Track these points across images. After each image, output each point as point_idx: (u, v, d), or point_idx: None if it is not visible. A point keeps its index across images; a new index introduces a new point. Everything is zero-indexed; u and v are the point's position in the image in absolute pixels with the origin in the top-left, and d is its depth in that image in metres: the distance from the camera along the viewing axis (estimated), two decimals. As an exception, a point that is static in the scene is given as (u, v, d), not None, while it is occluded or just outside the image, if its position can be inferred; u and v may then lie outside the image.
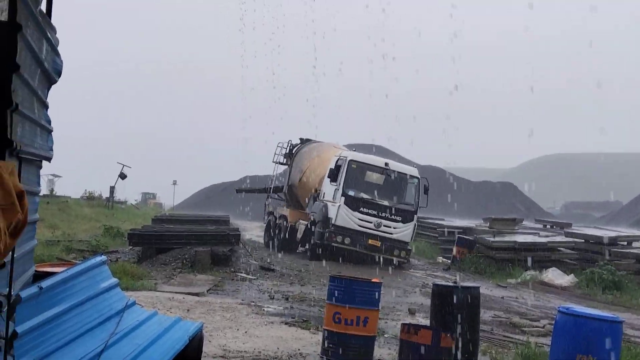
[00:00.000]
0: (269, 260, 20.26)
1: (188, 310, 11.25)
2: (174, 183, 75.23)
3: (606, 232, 27.96)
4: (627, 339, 11.25)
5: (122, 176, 48.41)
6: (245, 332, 10.02)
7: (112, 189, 48.01)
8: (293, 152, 27.19)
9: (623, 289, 20.13)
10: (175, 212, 45.57)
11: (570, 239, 25.47)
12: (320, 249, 21.73)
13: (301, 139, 27.56)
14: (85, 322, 5.19)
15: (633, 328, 13.73)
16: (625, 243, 24.76)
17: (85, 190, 48.81)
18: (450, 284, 9.92)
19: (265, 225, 28.61)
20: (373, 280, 9.24)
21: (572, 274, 22.15)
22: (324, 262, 20.58)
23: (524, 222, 34.30)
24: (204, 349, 7.13)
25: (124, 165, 48.61)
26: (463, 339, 9.06)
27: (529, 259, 22.91)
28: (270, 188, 28.66)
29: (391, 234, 21.63)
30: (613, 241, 24.53)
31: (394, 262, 21.58)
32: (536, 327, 12.97)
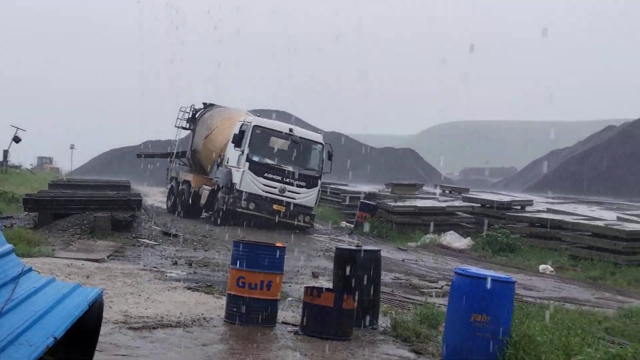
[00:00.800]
0: (171, 226, 20.00)
1: (88, 276, 10.98)
2: (72, 147, 72.82)
3: (501, 197, 29.10)
4: (519, 299, 11.77)
5: (16, 139, 46.43)
6: (148, 297, 9.89)
7: (5, 152, 46.10)
8: (196, 117, 26.77)
9: (516, 251, 21.04)
10: (74, 177, 44.17)
11: (468, 204, 26.38)
12: (224, 215, 21.62)
13: (204, 104, 27.15)
14: (-23, 289, 4.98)
15: (525, 288, 14.39)
16: (519, 207, 25.84)
17: (-24, 154, 46.65)
18: (353, 247, 10.11)
19: (167, 190, 28.19)
20: (277, 244, 9.28)
21: (469, 237, 22.98)
22: (228, 227, 20.51)
23: (424, 188, 35.21)
24: (105, 315, 6.99)
25: (17, 129, 46.62)
26: (365, 301, 9.28)
27: (432, 224, 23.60)
28: (173, 153, 28.17)
29: (295, 199, 21.75)
30: (507, 205, 25.56)
31: (299, 227, 21.74)
32: (435, 288, 13.41)
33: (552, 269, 18.53)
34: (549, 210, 25.79)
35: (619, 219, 23.23)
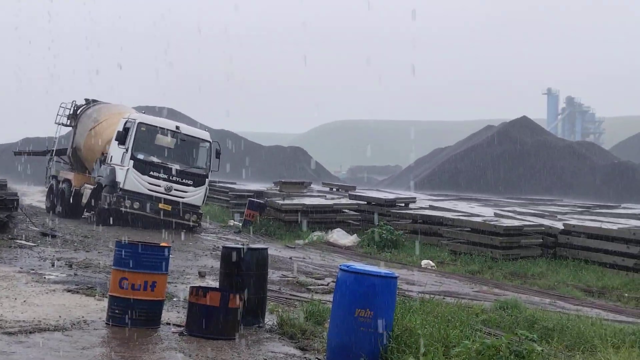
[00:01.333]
0: (51, 226, 19.25)
1: (-42, 281, 10.42)
2: (-57, 144, 68.67)
3: (386, 195, 29.81)
4: (402, 293, 12.10)
5: None
6: (24, 301, 9.49)
7: None
8: (77, 113, 25.85)
9: (400, 247, 21.59)
10: (-55, 176, 41.72)
11: (354, 201, 26.84)
12: (107, 214, 21.03)
13: (86, 100, 26.25)
14: None
15: (408, 283, 14.78)
16: (403, 204, 26.52)
17: None
18: (239, 246, 10.08)
19: (47, 189, 27.10)
20: (161, 244, 9.13)
21: (355, 234, 23.39)
22: (111, 227, 19.97)
23: (312, 185, 35.56)
24: (-24, 321, 6.66)
25: None
26: (251, 300, 9.27)
27: (305, 222, 23.86)
28: (53, 151, 27.11)
29: (182, 197, 21.43)
30: (392, 203, 26.19)
31: (185, 226, 21.43)
32: (321, 285, 13.56)
33: (434, 264, 19.14)
34: (431, 207, 26.62)
35: (496, 215, 24.27)
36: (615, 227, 20.40)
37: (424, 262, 19.20)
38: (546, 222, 22.24)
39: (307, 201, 26.09)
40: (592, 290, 16.58)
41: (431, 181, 62.05)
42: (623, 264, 18.40)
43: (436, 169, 66.29)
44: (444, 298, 12.13)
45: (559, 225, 21.06)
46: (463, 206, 28.16)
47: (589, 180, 57.88)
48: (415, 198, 29.28)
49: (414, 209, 25.99)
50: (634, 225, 21.71)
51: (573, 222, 21.89)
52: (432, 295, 11.57)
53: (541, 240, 20.43)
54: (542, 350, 7.31)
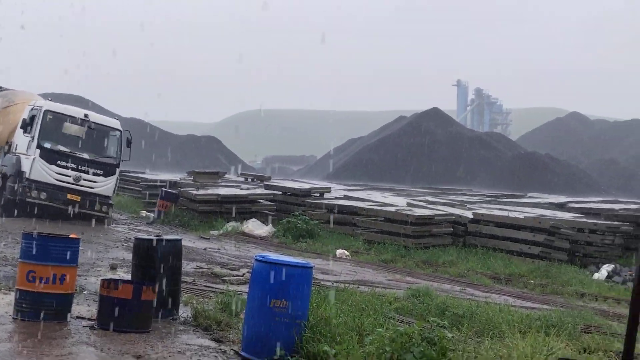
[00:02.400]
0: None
1: None
2: None
3: (302, 185, 29.89)
4: (317, 283, 12.18)
5: None
6: None
7: None
8: (-20, 99, 24.74)
9: (315, 236, 21.72)
10: None
11: (270, 191, 26.79)
12: (12, 205, 20.25)
13: (-10, 86, 25.17)
14: None
15: (323, 273, 14.89)
16: (318, 194, 26.67)
17: None
18: (152, 237, 9.90)
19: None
20: (70, 236, 8.87)
21: (271, 224, 23.36)
22: (17, 219, 19.25)
23: (227, 175, 35.25)
24: None
25: None
26: (165, 291, 9.13)
27: (233, 210, 23.71)
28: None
29: (92, 188, 20.84)
30: (307, 193, 26.29)
31: (96, 217, 20.88)
32: (236, 276, 13.49)
33: (348, 254, 19.35)
34: (345, 197, 26.87)
35: (408, 204, 24.72)
36: (522, 216, 21.14)
37: (339, 252, 19.38)
38: (456, 211, 22.82)
39: (222, 191, 25.87)
40: (500, 277, 17.13)
41: (346, 171, 62.64)
42: (529, 251, 19.09)
43: (350, 159, 66.95)
44: (358, 287, 12.29)
45: (469, 215, 21.65)
46: (377, 196, 28.54)
47: (497, 170, 59.71)
48: (330, 188, 29.48)
49: (329, 198, 26.18)
50: (540, 214, 22.57)
51: (482, 211, 22.55)
52: (346, 285, 11.69)
53: (452, 229, 20.96)
54: (453, 336, 7.50)
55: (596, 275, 18.06)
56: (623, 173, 64.40)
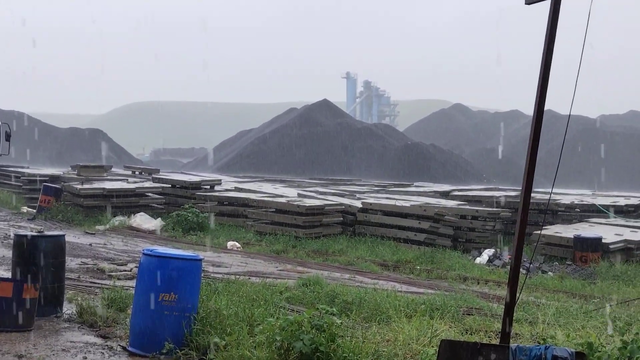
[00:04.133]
0: None
1: None
2: None
3: (191, 177, 29.51)
4: (207, 275, 12.10)
5: None
6: None
7: None
8: None
9: (206, 229, 21.52)
10: None
11: (158, 185, 26.30)
12: None
13: None
14: None
15: (214, 265, 14.80)
16: (209, 187, 26.42)
17: None
18: (33, 233, 9.54)
19: None
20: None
21: (160, 218, 22.96)
22: None
23: (113, 169, 34.32)
24: None
25: None
26: (48, 289, 8.83)
27: (114, 206, 23.11)
28: None
29: (-32, 183, 19.83)
30: (197, 185, 25.99)
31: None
32: (124, 271, 13.19)
33: (240, 246, 19.30)
34: (236, 189, 26.74)
35: (299, 195, 24.90)
36: (408, 204, 21.72)
37: (229, 244, 19.30)
38: (346, 201, 23.18)
39: (108, 185, 25.17)
40: (388, 264, 17.55)
41: (236, 163, 62.33)
42: (415, 238, 19.66)
43: (241, 151, 66.66)
44: (249, 278, 12.29)
45: (358, 204, 22.04)
46: (268, 187, 28.57)
47: (385, 160, 61.04)
48: (220, 180, 29.25)
49: (220, 191, 25.99)
50: (425, 202, 23.26)
51: (370, 200, 23.01)
52: (237, 276, 11.67)
53: (341, 218, 21.28)
54: (342, 322, 7.64)
55: (478, 260, 18.81)
56: (503, 162, 67.28)
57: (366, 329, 8.43)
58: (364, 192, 28.61)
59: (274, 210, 21.40)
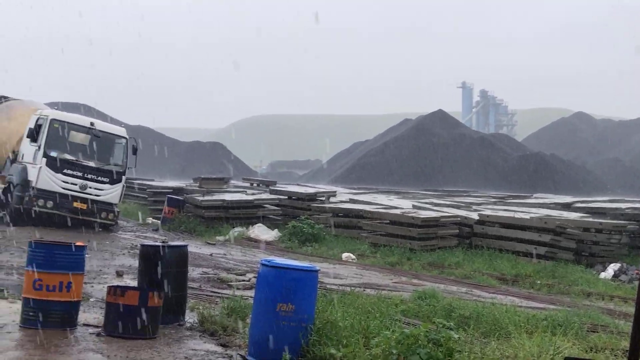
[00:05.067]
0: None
1: None
2: None
3: (307, 189, 29.92)
4: (323, 286, 12.19)
5: None
6: None
7: None
8: (-13, 110, 24.85)
9: (321, 241, 21.72)
10: None
11: (275, 196, 26.83)
12: (19, 214, 20.33)
13: (-4, 96, 25.28)
14: None
15: (329, 276, 14.90)
16: (324, 198, 26.69)
17: None
18: (158, 243, 9.93)
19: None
20: (77, 243, 8.90)
21: (277, 229, 23.39)
22: (24, 227, 19.31)
23: (232, 181, 35.33)
24: None
25: None
26: (171, 297, 9.16)
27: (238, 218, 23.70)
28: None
29: (98, 195, 20.91)
30: (312, 197, 26.31)
31: (102, 225, 20.95)
32: (242, 280, 13.51)
33: (354, 257, 19.36)
34: (351, 201, 26.88)
35: (414, 207, 24.72)
36: (527, 216, 21.11)
37: (344, 255, 19.39)
38: (462, 212, 22.81)
39: (228, 197, 25.92)
40: (507, 278, 17.11)
41: (351, 174, 62.63)
42: (535, 252, 19.07)
43: (355, 162, 66.92)
44: (364, 290, 12.30)
45: (474, 216, 21.63)
46: (382, 199, 28.55)
47: (503, 171, 59.62)
48: (335, 192, 29.51)
49: (335, 202, 26.19)
50: (546, 214, 22.53)
51: (487, 212, 22.53)
52: (352, 288, 11.70)
53: (457, 230, 20.95)
54: (459, 337, 7.49)
55: (603, 275, 18.03)
56: (628, 172, 64.19)
57: (484, 344, 8.23)
58: (480, 204, 28.06)
59: (389, 221, 21.33)
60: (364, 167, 64.03)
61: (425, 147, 63.89)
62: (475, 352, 7.52)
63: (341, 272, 16.30)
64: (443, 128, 66.58)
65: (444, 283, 15.57)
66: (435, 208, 24.41)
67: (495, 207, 26.57)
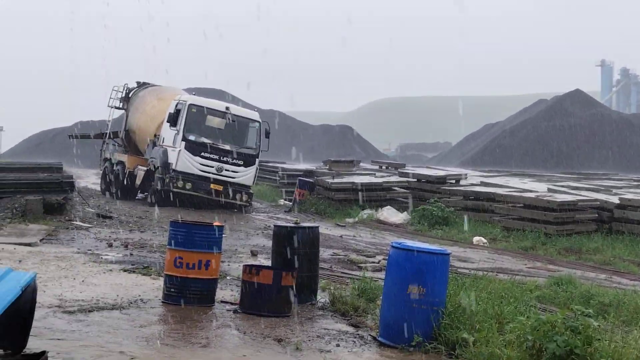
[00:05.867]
0: (106, 208, 19.67)
1: (20, 261, 10.75)
2: (0, 129, 70.62)
3: (436, 172, 29.57)
4: (454, 270, 12.03)
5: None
6: (83, 280, 9.74)
7: None
8: (130, 96, 26.24)
9: (451, 224, 21.42)
10: (2, 160, 42.91)
11: (404, 179, 26.70)
12: (160, 195, 21.37)
13: (138, 83, 26.62)
14: None
15: (460, 260, 14.71)
16: (454, 181, 26.30)
17: None
18: (291, 224, 10.14)
19: (101, 172, 27.64)
20: (214, 223, 9.25)
21: (406, 212, 23.29)
22: (164, 208, 20.29)
23: (361, 164, 35.48)
24: (39, 299, 6.87)
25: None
26: (303, 277, 9.35)
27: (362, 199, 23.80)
28: (106, 134, 27.59)
29: (233, 178, 21.63)
30: (442, 180, 25.98)
31: (237, 206, 21.67)
32: (372, 262, 13.58)
33: (486, 241, 18.97)
34: (482, 184, 26.30)
35: (549, 190, 23.87)
36: (673, 200, 19.88)
37: (475, 239, 19.05)
38: (601, 196, 21.78)
39: (357, 179, 26.06)
40: (650, 265, 16.23)
41: (482, 157, 61.29)
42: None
43: (487, 144, 65.43)
44: (497, 275, 12.04)
45: (615, 200, 20.61)
46: (515, 182, 27.75)
47: (646, 153, 56.44)
48: (466, 174, 28.98)
49: (465, 185, 25.74)
50: (694, 198, 21.11)
51: (629, 196, 21.40)
52: (484, 272, 11.48)
53: (596, 215, 20.06)
54: (599, 325, 7.19)
55: None
56: None
57: (626, 333, 7.85)
58: (621, 187, 26.67)
59: (522, 205, 20.73)
60: (495, 149, 62.49)
61: (561, 128, 61.50)
62: (616, 341, 7.18)
63: (472, 256, 16.04)
64: (580, 108, 63.79)
65: (581, 269, 14.98)
66: (572, 191, 23.45)
67: (638, 190, 25.18)
